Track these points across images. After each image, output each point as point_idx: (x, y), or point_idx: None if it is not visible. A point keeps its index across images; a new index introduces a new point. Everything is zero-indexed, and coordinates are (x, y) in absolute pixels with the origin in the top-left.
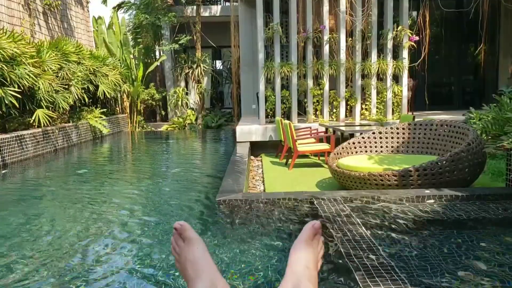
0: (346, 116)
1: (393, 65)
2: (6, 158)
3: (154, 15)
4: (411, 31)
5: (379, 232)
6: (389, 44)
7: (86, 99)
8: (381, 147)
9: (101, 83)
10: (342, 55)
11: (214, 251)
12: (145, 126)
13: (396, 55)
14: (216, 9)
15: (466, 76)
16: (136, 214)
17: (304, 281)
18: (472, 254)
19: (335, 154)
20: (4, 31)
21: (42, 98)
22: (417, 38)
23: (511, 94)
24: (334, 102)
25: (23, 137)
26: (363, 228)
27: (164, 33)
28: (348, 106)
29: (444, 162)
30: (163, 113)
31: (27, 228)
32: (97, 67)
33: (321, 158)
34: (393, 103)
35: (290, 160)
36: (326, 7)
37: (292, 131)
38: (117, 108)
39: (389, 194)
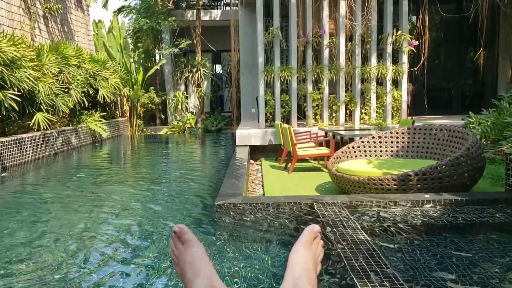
0: (345, 120)
1: (393, 69)
2: (5, 161)
3: (154, 19)
4: (410, 36)
5: (378, 236)
6: (389, 49)
7: (86, 103)
8: (381, 151)
9: (101, 87)
10: (342, 60)
11: (212, 254)
12: (144, 130)
13: (395, 60)
14: (216, 13)
15: (466, 81)
16: (134, 217)
17: (303, 283)
18: (471, 259)
19: (334, 158)
20: (4, 34)
21: (42, 101)
22: (416, 43)
23: (510, 99)
24: (333, 107)
25: (22, 140)
26: (362, 232)
27: (164, 37)
28: (347, 111)
29: (444, 166)
30: (162, 117)
31: (22, 230)
32: (97, 71)
33: (320, 162)
34: (392, 107)
35: (289, 164)
36: (326, 12)
37: (292, 135)
38: (117, 112)
39: (388, 198)
